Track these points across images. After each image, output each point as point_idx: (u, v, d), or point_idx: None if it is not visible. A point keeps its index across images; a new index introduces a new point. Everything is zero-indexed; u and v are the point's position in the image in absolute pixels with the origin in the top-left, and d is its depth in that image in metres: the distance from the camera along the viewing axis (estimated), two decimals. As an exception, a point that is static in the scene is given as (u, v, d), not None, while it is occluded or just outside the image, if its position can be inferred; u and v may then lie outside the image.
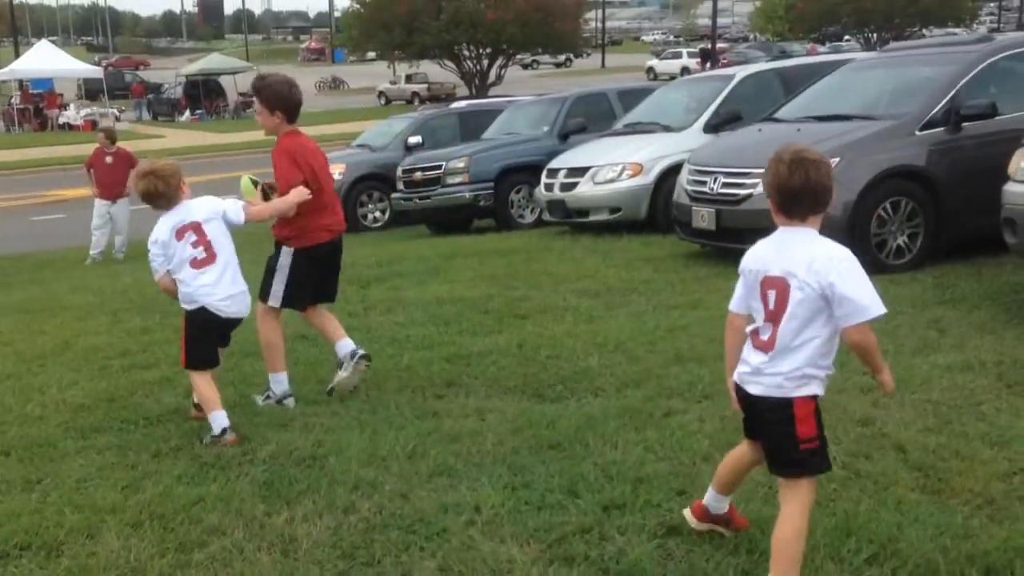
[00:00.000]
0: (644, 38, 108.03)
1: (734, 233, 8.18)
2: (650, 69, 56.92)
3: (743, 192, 8.08)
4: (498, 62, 47.96)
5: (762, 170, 8.63)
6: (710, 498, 3.29)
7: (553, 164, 11.59)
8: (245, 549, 3.52)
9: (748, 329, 2.98)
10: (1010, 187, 6.16)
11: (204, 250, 4.77)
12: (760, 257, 2.94)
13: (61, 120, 42.05)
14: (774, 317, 2.87)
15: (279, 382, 5.31)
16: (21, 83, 43.82)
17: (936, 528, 3.23)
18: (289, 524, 3.70)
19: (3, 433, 5.05)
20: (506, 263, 9.37)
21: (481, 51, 47.43)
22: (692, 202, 8.61)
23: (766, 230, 8.76)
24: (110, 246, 13.53)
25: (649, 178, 10.62)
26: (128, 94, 53.09)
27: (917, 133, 7.77)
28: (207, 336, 4.94)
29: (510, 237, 11.56)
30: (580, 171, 11.08)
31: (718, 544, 3.31)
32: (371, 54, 56.43)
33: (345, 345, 5.35)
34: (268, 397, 5.33)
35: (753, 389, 2.93)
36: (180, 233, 4.76)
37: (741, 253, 8.50)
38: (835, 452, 3.98)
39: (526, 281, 8.32)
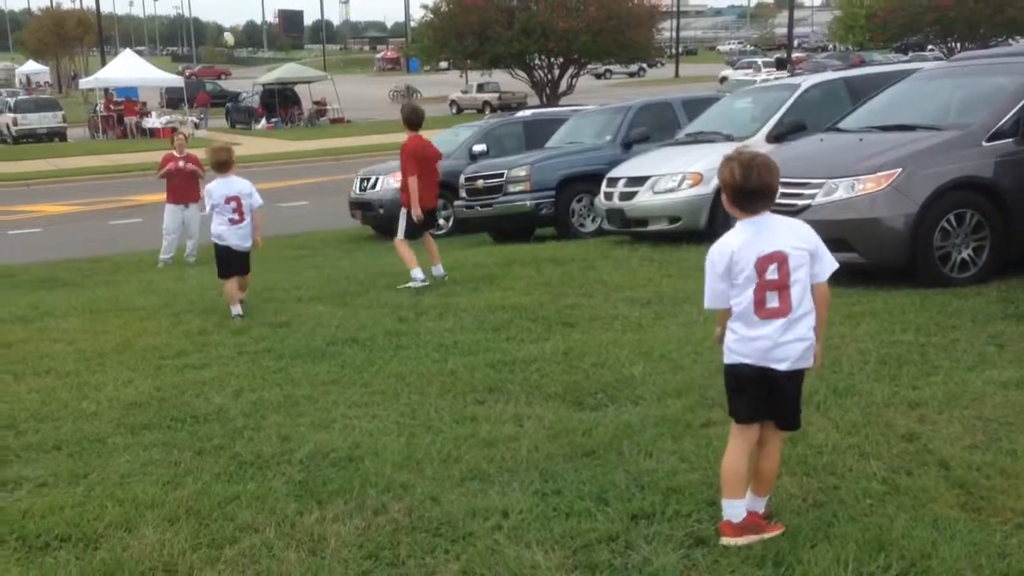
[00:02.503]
0: (720, 48, 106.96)
1: (792, 244, 8.04)
2: (724, 78, 56.29)
3: (801, 202, 7.91)
4: (569, 71, 47.92)
5: (821, 180, 8.53)
6: (750, 502, 3.41)
7: (613, 173, 11.53)
8: (274, 547, 3.57)
9: (740, 307, 3.30)
10: (1078, 199, 5.94)
11: (237, 214, 7.94)
12: (745, 243, 3.28)
13: (144, 125, 43.27)
14: (781, 285, 3.25)
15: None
16: (107, 91, 45.26)
17: (972, 546, 3.12)
18: (319, 524, 3.74)
19: (57, 428, 5.20)
20: (561, 271, 9.35)
21: (552, 60, 47.45)
22: (750, 212, 8.47)
23: (824, 242, 8.57)
24: (180, 250, 13.86)
25: (709, 188, 10.47)
26: (208, 104, 54.43)
27: (984, 144, 7.54)
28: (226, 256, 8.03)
29: (569, 246, 11.53)
30: (640, 180, 11.00)
31: (744, 556, 3.24)
32: (444, 64, 56.84)
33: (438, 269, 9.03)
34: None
35: (781, 366, 3.27)
36: (228, 200, 7.89)
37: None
38: (875, 467, 3.91)
39: (579, 289, 8.29)
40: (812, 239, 3.33)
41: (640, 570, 3.19)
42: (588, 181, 12.71)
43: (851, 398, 4.79)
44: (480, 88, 54.07)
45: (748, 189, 3.25)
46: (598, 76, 61.22)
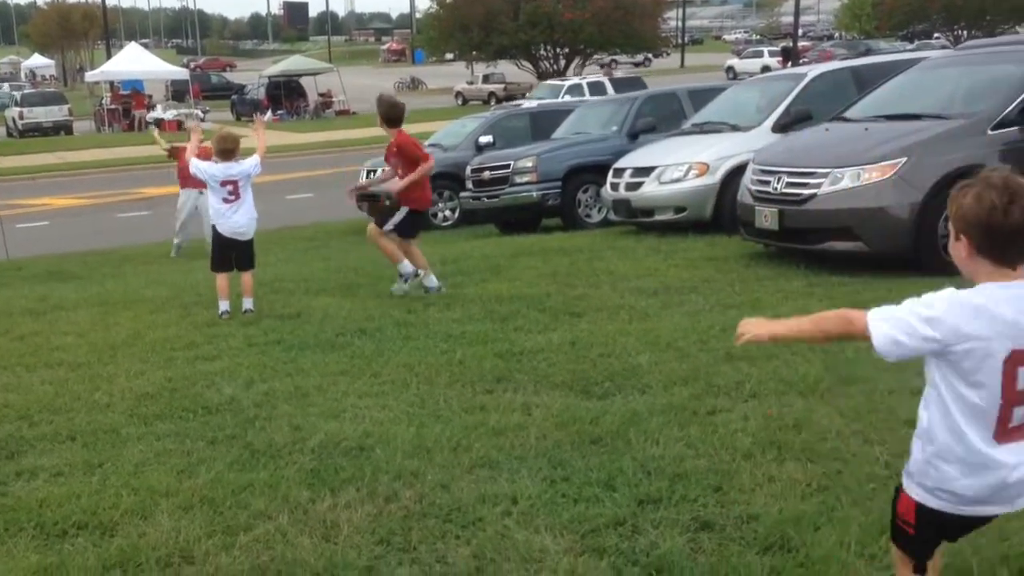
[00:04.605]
0: (725, 37, 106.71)
1: (797, 233, 8.10)
2: (730, 68, 56.17)
3: (807, 192, 7.97)
4: (575, 62, 47.96)
5: (827, 170, 8.56)
6: None
7: (619, 164, 11.58)
8: (288, 533, 3.64)
9: (962, 417, 2.30)
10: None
11: (234, 195, 7.76)
12: (997, 322, 2.20)
13: (150, 117, 43.38)
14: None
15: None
16: (112, 84, 45.36)
17: (973, 530, 3.17)
18: (332, 511, 3.81)
19: (71, 419, 5.27)
20: (568, 262, 9.40)
21: (559, 51, 47.51)
22: (755, 202, 8.52)
23: (829, 231, 8.60)
24: (198, 242, 13.91)
25: (715, 178, 10.53)
26: (213, 95, 54.53)
27: (989, 132, 7.58)
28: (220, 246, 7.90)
29: (575, 236, 11.58)
30: (646, 171, 11.05)
31: (750, 541, 3.30)
32: (449, 55, 56.90)
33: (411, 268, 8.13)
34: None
35: (1013, 507, 2.34)
36: (225, 183, 7.71)
37: (804, 253, 8.43)
38: (878, 452, 3.96)
39: (586, 279, 8.35)
40: None
41: (647, 553, 3.25)
42: (594, 172, 12.76)
43: (855, 385, 4.84)
44: (486, 79, 54.08)
45: (1009, 229, 2.15)
46: (603, 66, 61.16)
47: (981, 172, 2.23)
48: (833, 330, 2.40)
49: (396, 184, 8.18)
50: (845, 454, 3.99)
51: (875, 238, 7.52)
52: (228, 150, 7.79)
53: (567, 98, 28.67)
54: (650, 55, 63.01)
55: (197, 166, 7.87)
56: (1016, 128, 7.51)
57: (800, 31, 57.07)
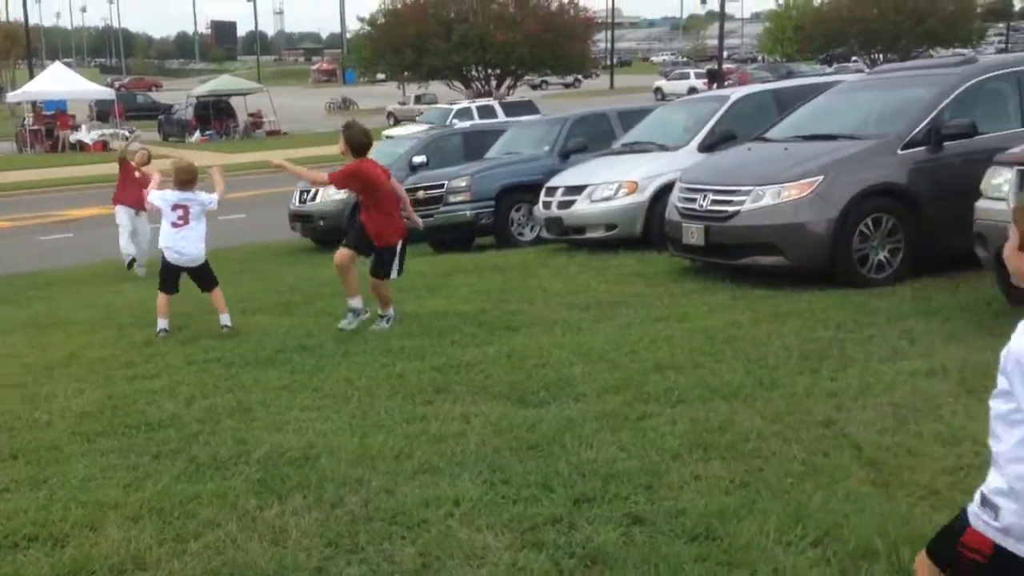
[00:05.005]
0: (653, 59, 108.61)
1: (722, 249, 8.44)
2: (658, 89, 57.29)
3: (731, 209, 8.31)
4: (507, 83, 48.45)
5: (749, 188, 8.93)
6: None
7: (551, 183, 11.85)
8: (238, 539, 3.76)
9: None
10: (982, 203, 6.39)
11: (182, 219, 7.90)
12: None
13: (72, 139, 42.56)
14: None
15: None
16: (34, 104, 44.42)
17: (880, 516, 3.46)
18: (280, 517, 3.94)
19: (12, 438, 5.30)
20: (503, 279, 9.63)
21: (490, 72, 47.95)
22: (682, 219, 8.85)
23: (752, 246, 8.98)
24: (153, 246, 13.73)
25: (644, 196, 10.86)
26: (139, 115, 53.70)
27: (899, 152, 8.00)
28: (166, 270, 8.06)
29: (509, 254, 11.81)
30: (577, 189, 11.33)
31: (678, 533, 3.54)
32: (381, 75, 56.97)
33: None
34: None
35: None
36: (176, 207, 7.89)
37: (729, 268, 8.85)
38: (796, 451, 4.24)
39: (520, 296, 8.58)
40: None
41: (583, 547, 3.47)
42: (527, 191, 13.00)
43: (776, 390, 5.14)
44: (418, 99, 54.23)
45: None
46: (534, 87, 61.83)
47: None
48: None
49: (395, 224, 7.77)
50: (765, 453, 4.26)
51: (795, 252, 7.89)
52: (186, 181, 7.97)
53: (455, 122, 29.00)
54: (580, 76, 63.91)
55: (154, 194, 8.20)
56: (924, 148, 7.96)
57: (725, 54, 58.46)
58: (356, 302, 7.75)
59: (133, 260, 13.58)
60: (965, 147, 7.82)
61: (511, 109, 31.17)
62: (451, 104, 37.37)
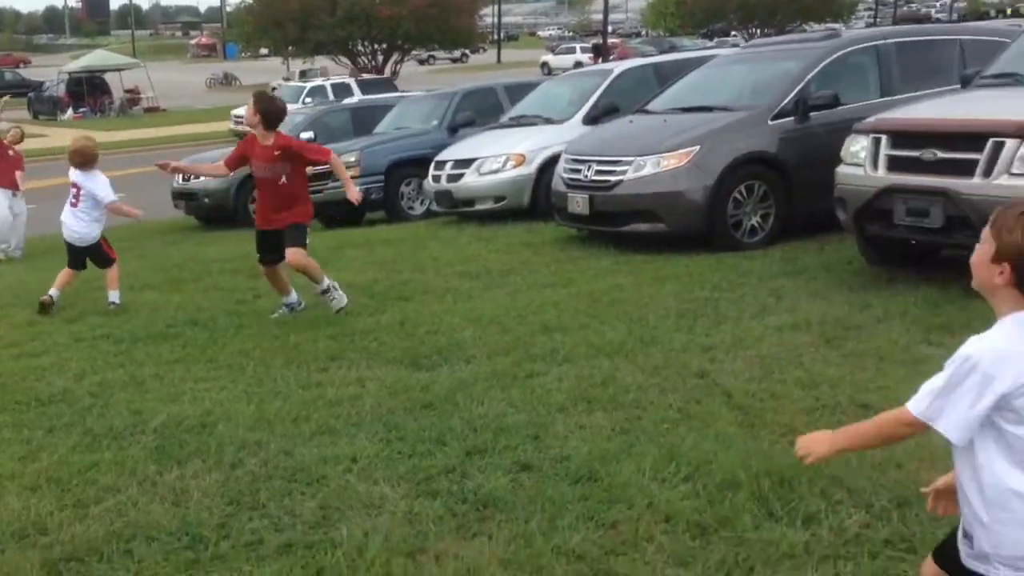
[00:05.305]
0: (540, 34, 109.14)
1: (606, 217, 8.76)
2: (544, 64, 57.70)
3: (614, 179, 8.64)
4: (393, 58, 48.07)
5: (631, 158, 9.29)
6: None
7: (440, 156, 12.02)
8: (139, 502, 3.86)
9: None
10: (842, 169, 6.84)
11: (75, 199, 7.89)
12: None
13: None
14: None
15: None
16: None
17: (744, 452, 3.79)
18: (180, 480, 4.05)
19: None
20: (393, 252, 9.77)
21: (376, 47, 47.47)
22: (568, 189, 9.14)
23: (634, 214, 9.34)
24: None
25: (532, 168, 11.13)
26: (7, 92, 51.23)
27: (770, 122, 8.45)
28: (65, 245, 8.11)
29: (399, 228, 11.94)
30: (466, 163, 11.53)
31: (563, 476, 3.79)
32: (264, 50, 55.71)
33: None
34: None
35: None
36: (73, 186, 7.95)
37: (613, 235, 9.18)
38: (672, 400, 4.56)
39: (411, 267, 8.74)
40: None
41: (475, 493, 3.69)
42: (416, 165, 13.12)
43: (655, 346, 5.46)
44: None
45: None
46: (421, 62, 61.46)
47: None
48: (896, 434, 2.19)
49: (353, 191, 7.61)
50: (644, 403, 4.56)
51: (674, 219, 8.27)
52: (80, 163, 7.92)
53: (308, 100, 28.90)
54: (467, 51, 63.84)
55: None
56: (792, 118, 8.42)
57: (610, 28, 59.24)
58: (291, 297, 7.31)
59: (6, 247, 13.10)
60: (829, 117, 8.31)
61: (367, 87, 30.74)
62: (304, 82, 36.70)
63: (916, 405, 2.06)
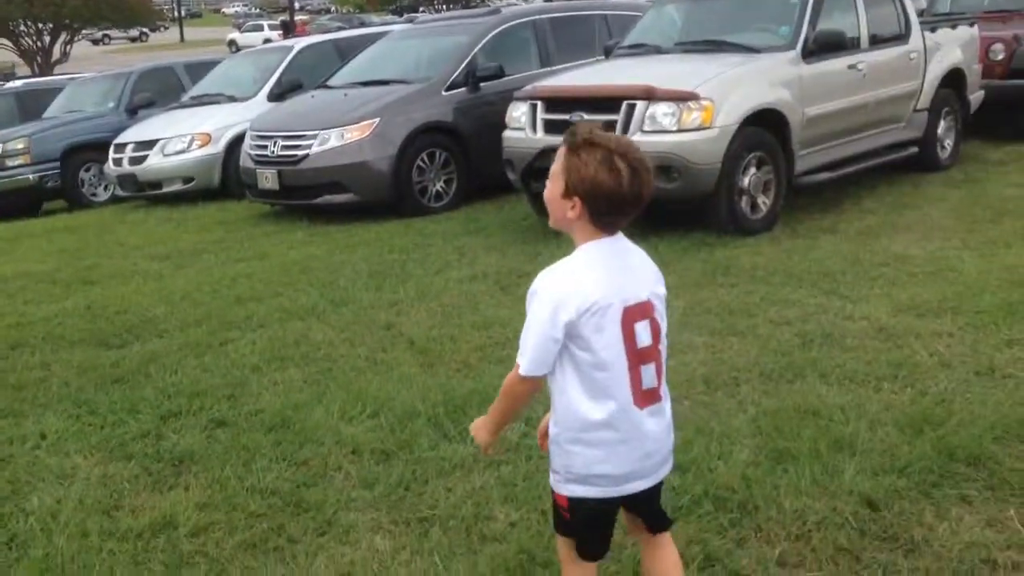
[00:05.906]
0: (225, 11, 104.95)
1: (296, 191, 8.94)
2: (232, 42, 55.73)
3: (300, 153, 8.82)
4: (62, 38, 44.55)
5: (315, 132, 9.48)
6: None
7: (120, 139, 11.59)
8: None
9: (602, 394, 2.09)
10: (507, 133, 7.47)
11: None
12: (603, 282, 2.06)
13: None
14: (651, 355, 2.12)
15: None
16: None
17: (424, 387, 4.21)
18: None
19: None
20: (77, 238, 9.38)
21: (41, 27, 43.75)
22: (256, 165, 9.20)
23: (323, 186, 9.59)
24: None
25: (219, 147, 11.02)
26: None
27: (444, 93, 8.98)
28: None
29: (82, 215, 11.40)
30: (149, 144, 11.20)
31: (257, 427, 4.02)
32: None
33: None
34: None
35: (647, 483, 2.17)
36: None
37: (305, 208, 9.48)
38: (360, 351, 4.91)
39: (97, 252, 8.47)
40: (662, 284, 2.20)
41: (171, 451, 3.84)
42: (95, 149, 12.54)
43: (346, 306, 5.78)
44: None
45: (630, 197, 2.04)
46: (95, 42, 57.40)
47: (588, 131, 2.08)
48: (518, 391, 2.17)
49: None
50: (335, 356, 4.87)
51: (361, 189, 8.60)
52: None
53: None
54: (147, 30, 60.37)
55: None
56: (464, 89, 8.99)
57: (298, 5, 58.32)
58: None
59: None
60: (497, 87, 8.97)
61: None
62: None
63: (520, 358, 2.10)
